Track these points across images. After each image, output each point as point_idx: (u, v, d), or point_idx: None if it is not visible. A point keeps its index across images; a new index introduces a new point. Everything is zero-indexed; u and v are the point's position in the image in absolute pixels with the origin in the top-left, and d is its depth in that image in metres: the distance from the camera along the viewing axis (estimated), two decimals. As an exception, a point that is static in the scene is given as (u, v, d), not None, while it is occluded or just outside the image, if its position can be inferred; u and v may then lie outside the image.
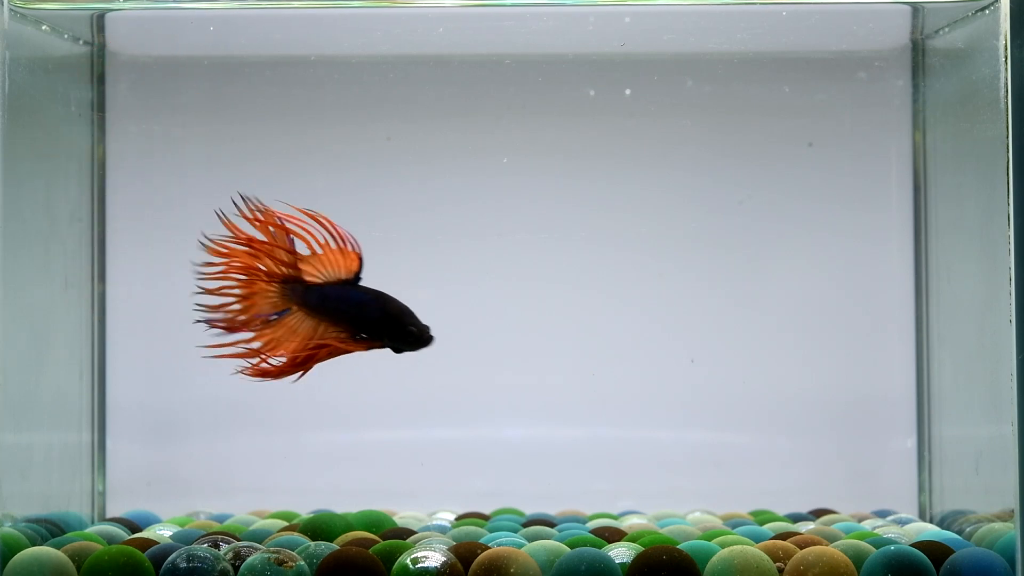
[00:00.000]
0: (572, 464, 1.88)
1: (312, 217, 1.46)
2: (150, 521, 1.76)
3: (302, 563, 1.43)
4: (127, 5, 1.78)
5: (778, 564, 1.42)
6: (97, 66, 1.83)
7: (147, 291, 1.87)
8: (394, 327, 1.49)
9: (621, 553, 1.46)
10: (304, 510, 1.81)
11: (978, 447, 1.67)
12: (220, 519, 1.78)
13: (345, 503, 1.77)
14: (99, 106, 1.84)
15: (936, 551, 1.46)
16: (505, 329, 1.88)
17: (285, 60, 1.86)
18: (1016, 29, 1.48)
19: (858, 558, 1.44)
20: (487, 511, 1.83)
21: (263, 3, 1.78)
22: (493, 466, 1.88)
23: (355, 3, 1.78)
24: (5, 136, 1.53)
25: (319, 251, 1.48)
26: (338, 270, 1.49)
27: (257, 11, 1.80)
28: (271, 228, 1.47)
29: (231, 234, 1.48)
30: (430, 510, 1.84)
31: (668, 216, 1.88)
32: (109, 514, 1.84)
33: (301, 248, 1.48)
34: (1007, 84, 1.47)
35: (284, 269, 1.48)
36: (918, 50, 1.83)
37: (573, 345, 1.88)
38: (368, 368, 1.88)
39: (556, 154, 1.86)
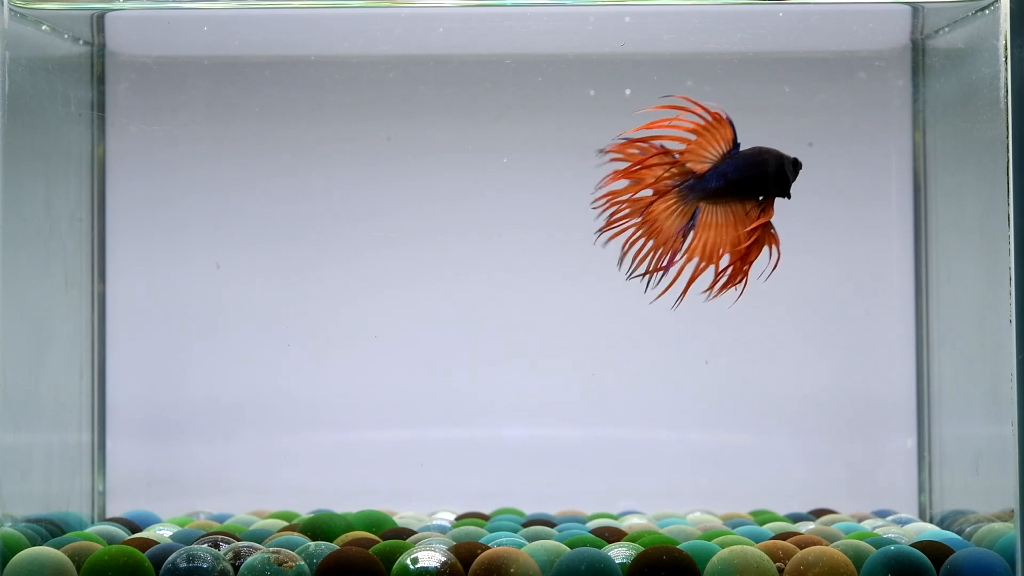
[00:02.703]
0: (572, 464, 1.88)
1: (669, 107, 1.40)
2: (150, 521, 1.76)
3: (302, 563, 1.43)
4: (127, 5, 1.78)
5: (778, 564, 1.42)
6: (97, 66, 1.83)
7: (147, 291, 1.88)
8: (780, 165, 1.43)
9: (621, 553, 1.46)
10: (304, 510, 1.81)
11: (978, 447, 1.67)
12: (220, 519, 1.78)
13: (345, 503, 1.77)
14: (99, 106, 1.84)
15: (936, 551, 1.46)
16: (505, 329, 1.88)
17: (285, 60, 1.86)
18: (1016, 29, 1.48)
19: (858, 558, 1.44)
20: (487, 511, 1.83)
21: (263, 3, 1.78)
22: (493, 466, 1.88)
23: (355, 3, 1.78)
24: (5, 136, 1.53)
25: (692, 138, 1.41)
26: (717, 144, 1.42)
27: (257, 11, 1.80)
28: (637, 148, 1.41)
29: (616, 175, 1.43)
30: (430, 510, 1.84)
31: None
32: (109, 514, 1.84)
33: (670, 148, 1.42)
34: (1007, 84, 1.47)
35: (674, 171, 1.41)
36: (918, 50, 1.83)
37: (573, 345, 1.88)
38: (368, 368, 1.89)
39: (556, 154, 1.86)
